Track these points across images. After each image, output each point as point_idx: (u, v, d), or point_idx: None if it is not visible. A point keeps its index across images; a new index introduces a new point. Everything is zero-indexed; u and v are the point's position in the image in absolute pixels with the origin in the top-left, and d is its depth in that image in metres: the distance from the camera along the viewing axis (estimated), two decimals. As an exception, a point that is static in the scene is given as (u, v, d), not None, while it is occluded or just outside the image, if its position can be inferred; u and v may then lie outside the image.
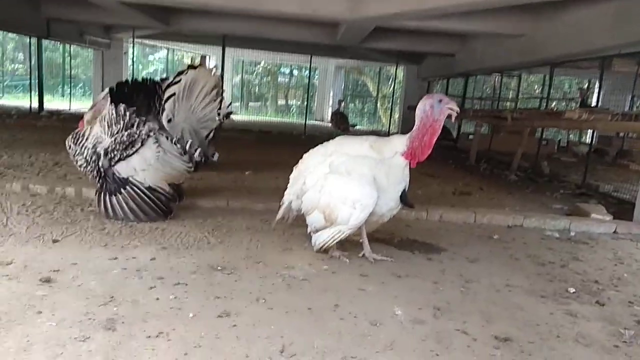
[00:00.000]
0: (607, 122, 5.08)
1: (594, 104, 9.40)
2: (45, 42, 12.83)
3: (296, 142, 9.69)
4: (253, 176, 5.34)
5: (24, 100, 14.25)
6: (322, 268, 2.73)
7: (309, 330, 1.99)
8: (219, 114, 3.72)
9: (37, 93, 12.20)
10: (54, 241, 2.81)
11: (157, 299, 2.16)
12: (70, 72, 17.05)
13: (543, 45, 7.00)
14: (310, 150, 3.11)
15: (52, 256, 2.57)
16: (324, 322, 2.08)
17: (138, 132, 3.26)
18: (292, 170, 3.14)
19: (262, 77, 25.38)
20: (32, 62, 12.83)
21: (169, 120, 3.43)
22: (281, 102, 25.33)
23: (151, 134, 3.29)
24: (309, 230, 2.93)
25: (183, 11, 9.50)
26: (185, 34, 12.34)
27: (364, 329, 2.04)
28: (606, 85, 10.20)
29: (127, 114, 3.28)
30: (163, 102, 3.36)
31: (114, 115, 3.29)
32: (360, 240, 2.96)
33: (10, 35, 18.20)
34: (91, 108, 3.52)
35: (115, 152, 3.25)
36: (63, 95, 17.42)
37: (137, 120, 3.29)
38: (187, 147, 3.42)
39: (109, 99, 3.37)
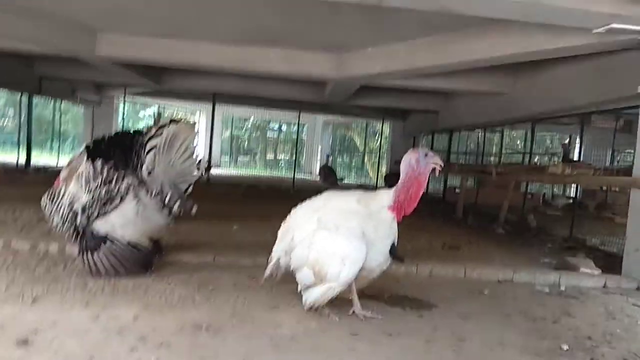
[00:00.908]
0: (590, 177, 5.19)
1: (575, 158, 9.64)
2: (36, 99, 12.98)
3: (285, 196, 9.70)
4: (241, 231, 5.30)
5: (11, 155, 14.22)
6: (311, 326, 2.66)
7: (297, 394, 1.91)
8: (198, 168, 3.72)
9: (25, 148, 12.19)
10: (34, 300, 2.71)
11: (139, 361, 2.07)
12: (60, 128, 17.14)
13: (523, 102, 7.26)
14: (298, 205, 3.11)
15: (31, 316, 2.47)
16: (313, 384, 2.00)
17: (117, 187, 3.24)
18: (280, 225, 3.13)
19: (251, 132, 25.77)
20: (22, 118, 12.92)
21: (149, 173, 3.39)
22: (270, 156, 25.60)
23: (130, 189, 3.27)
24: (299, 288, 2.88)
25: (174, 70, 9.74)
26: (177, 91, 12.60)
27: (354, 392, 1.97)
28: (587, 140, 10.52)
29: (105, 169, 3.26)
30: (144, 155, 3.35)
31: (91, 171, 3.26)
32: (350, 297, 2.91)
33: (1, 91, 18.38)
34: (67, 165, 3.51)
35: (94, 209, 3.20)
36: (51, 151, 17.42)
37: (116, 175, 3.27)
38: (167, 200, 3.40)
39: (85, 155, 3.35)
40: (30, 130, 12.33)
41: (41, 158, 15.12)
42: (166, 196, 3.41)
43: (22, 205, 5.65)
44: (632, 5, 3.88)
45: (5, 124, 21.82)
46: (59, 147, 16.40)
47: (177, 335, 2.38)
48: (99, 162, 3.28)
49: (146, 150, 3.34)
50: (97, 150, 3.38)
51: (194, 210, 3.63)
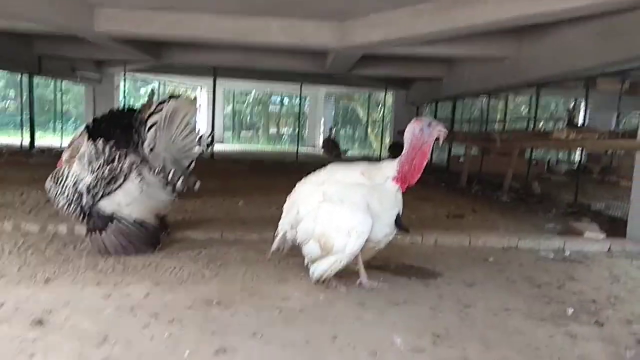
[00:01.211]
0: (595, 141, 5.15)
1: (580, 123, 9.55)
2: (36, 79, 12.92)
3: (289, 170, 9.72)
4: (246, 206, 5.33)
5: (15, 137, 14.25)
6: (319, 298, 2.71)
7: (307, 364, 1.96)
8: (199, 144, 3.72)
9: (28, 130, 12.20)
10: (46, 281, 2.77)
11: (152, 337, 2.13)
12: (62, 107, 17.11)
13: (527, 67, 7.15)
14: (303, 179, 3.12)
15: (44, 297, 2.53)
16: (323, 354, 2.05)
17: (120, 166, 3.25)
18: (285, 199, 3.15)
19: (253, 106, 25.62)
20: (24, 98, 12.88)
21: (151, 149, 3.40)
22: (273, 130, 25.53)
23: (133, 167, 3.28)
24: (306, 261, 2.92)
25: (173, 45, 9.63)
26: (177, 66, 12.49)
27: (363, 360, 2.02)
28: (592, 104, 10.40)
29: (107, 148, 3.27)
30: (145, 132, 3.34)
31: (93, 151, 3.27)
32: (357, 268, 2.95)
33: (1, 72, 18.30)
34: (69, 146, 3.52)
35: (98, 188, 3.23)
36: (54, 132, 17.44)
37: (118, 154, 3.28)
38: (170, 176, 3.42)
39: (86, 135, 3.35)
40: (32, 111, 12.30)
41: (45, 139, 15.15)
42: (169, 173, 3.42)
43: (29, 187, 5.69)
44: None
45: (7, 105, 21.78)
46: (61, 127, 16.42)
47: (188, 311, 2.43)
48: (100, 142, 3.28)
49: (147, 128, 3.34)
50: (97, 129, 3.38)
51: (197, 185, 3.65)
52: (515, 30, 6.83)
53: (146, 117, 3.35)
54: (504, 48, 7.50)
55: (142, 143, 3.37)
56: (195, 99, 4.12)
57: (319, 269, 2.81)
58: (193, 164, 3.71)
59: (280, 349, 2.08)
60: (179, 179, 3.44)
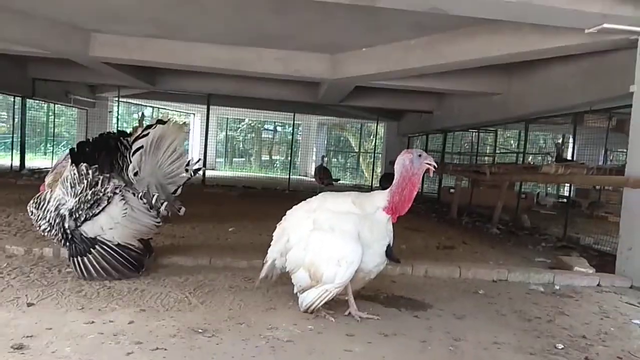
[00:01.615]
0: (583, 176, 5.22)
1: (569, 157, 9.69)
2: (29, 101, 12.91)
3: (280, 197, 9.71)
4: (236, 233, 5.29)
5: (5, 159, 14.13)
6: (307, 328, 2.66)
7: (294, 396, 1.91)
8: (187, 170, 3.71)
9: (18, 151, 12.12)
10: (29, 304, 2.70)
11: (135, 365, 2.07)
12: (54, 130, 17.05)
13: (516, 102, 7.31)
14: (294, 207, 3.11)
15: (26, 321, 2.46)
16: (310, 386, 2.01)
17: (103, 190, 3.24)
18: (276, 227, 3.13)
19: (246, 133, 25.75)
20: (16, 120, 12.84)
21: (135, 174, 3.39)
22: (265, 157, 25.60)
23: (117, 191, 3.27)
24: (295, 290, 2.88)
25: (167, 71, 9.73)
26: (171, 92, 12.57)
27: (351, 393, 1.97)
28: (580, 140, 10.57)
29: (90, 172, 3.26)
30: (130, 155, 3.34)
31: (76, 175, 3.25)
32: (346, 298, 2.91)
33: (-6, 94, 18.27)
34: (52, 170, 3.51)
35: (81, 212, 3.20)
36: (45, 154, 17.33)
37: (101, 177, 3.26)
38: (154, 201, 3.39)
39: (69, 159, 3.34)
40: (24, 133, 12.27)
41: (35, 161, 15.04)
42: (153, 197, 3.40)
43: (16, 208, 5.61)
44: (622, 6, 3.92)
45: (-2, 127, 21.67)
46: (52, 149, 16.33)
47: (173, 339, 2.37)
48: (83, 166, 3.27)
49: (132, 152, 3.34)
50: (81, 153, 3.37)
51: (182, 211, 3.62)
52: (504, 67, 7.01)
53: (132, 141, 3.35)
54: (493, 84, 7.68)
55: (127, 167, 3.36)
56: (184, 124, 4.12)
57: (308, 298, 2.78)
58: (180, 189, 3.69)
59: (267, 380, 2.03)
60: (162, 203, 3.42)
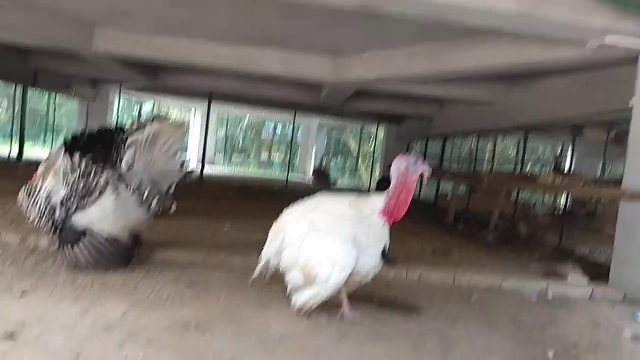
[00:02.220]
0: (580, 188, 5.24)
1: (567, 168, 9.73)
2: (30, 91, 12.90)
3: (277, 197, 9.71)
4: (232, 230, 5.29)
5: (3, 148, 14.11)
6: (300, 327, 2.67)
7: (283, 394, 1.92)
8: (181, 169, 3.72)
9: (17, 141, 12.11)
10: (22, 294, 2.70)
11: (125, 357, 2.07)
12: (54, 121, 17.04)
13: (515, 112, 7.33)
14: (290, 207, 3.12)
15: (18, 310, 2.46)
16: (300, 385, 2.01)
17: (95, 180, 3.25)
18: (272, 226, 3.13)
19: (246, 131, 25.77)
20: (16, 110, 12.83)
21: (128, 168, 3.40)
22: (264, 156, 25.62)
23: (109, 182, 3.28)
24: (288, 289, 2.89)
25: (170, 67, 9.72)
26: (172, 88, 12.57)
27: (340, 393, 1.98)
28: (578, 151, 10.63)
29: (83, 162, 3.28)
30: (124, 149, 3.36)
31: (69, 164, 3.27)
32: (340, 299, 2.92)
33: (-5, 83, 18.26)
34: (45, 160, 3.53)
35: (72, 202, 3.22)
36: (44, 144, 17.32)
37: (94, 168, 3.28)
38: (145, 196, 3.41)
39: (63, 149, 3.37)
40: (23, 123, 12.24)
41: (34, 151, 15.02)
42: (144, 192, 3.42)
43: (13, 198, 5.59)
44: (623, 20, 3.94)
45: (-2, 115, 21.65)
46: (52, 140, 16.32)
47: (165, 333, 2.38)
48: (76, 156, 3.29)
49: (126, 145, 3.35)
50: (75, 145, 3.40)
51: (173, 208, 3.63)
52: (505, 77, 7.03)
53: (127, 135, 3.38)
54: (493, 92, 7.70)
55: (120, 160, 3.38)
56: (183, 123, 4.11)
57: (301, 298, 2.78)
58: (173, 187, 3.70)
59: (257, 377, 2.04)
60: (153, 199, 3.43)
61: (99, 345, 2.16)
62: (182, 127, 3.81)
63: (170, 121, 3.63)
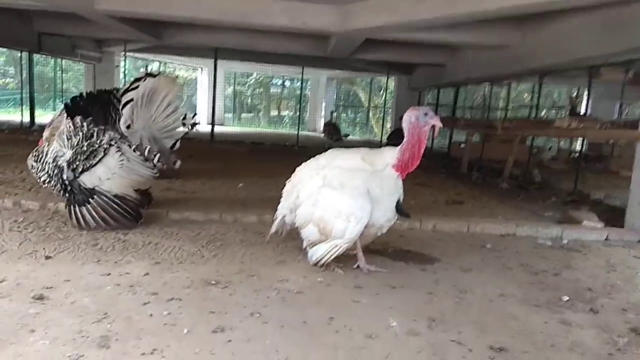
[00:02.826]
0: (596, 131, 5.14)
1: (583, 111, 9.51)
2: (36, 56, 12.80)
3: (289, 153, 9.71)
4: (246, 188, 5.34)
5: (15, 115, 14.19)
6: (317, 280, 2.73)
7: (304, 345, 1.99)
8: (184, 124, 3.76)
9: (28, 107, 12.14)
10: (47, 258, 2.79)
11: (151, 315, 2.15)
12: (62, 86, 17.00)
13: (530, 55, 7.09)
14: (303, 164, 3.12)
15: (44, 273, 2.55)
16: (319, 335, 2.08)
17: (99, 141, 3.34)
18: (285, 182, 3.15)
19: (254, 88, 25.48)
20: (23, 76, 12.79)
21: (128, 127, 3.47)
22: (274, 113, 25.43)
23: (113, 142, 3.36)
24: (304, 244, 2.93)
25: (174, 25, 9.52)
26: (177, 47, 12.38)
27: (359, 342, 2.04)
28: (595, 93, 10.34)
29: (85, 124, 3.35)
30: (120, 108, 3.40)
31: (72, 128, 3.35)
32: (354, 252, 2.96)
33: (1, 49, 18.14)
34: (49, 125, 3.61)
35: (78, 163, 3.32)
36: (54, 109, 17.36)
37: (96, 129, 3.35)
38: (146, 153, 3.47)
39: (65, 114, 3.44)
40: (32, 89, 12.23)
41: (45, 117, 15.09)
42: (145, 150, 3.47)
43: (29, 164, 5.68)
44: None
45: (6, 82, 21.64)
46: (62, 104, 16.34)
47: (187, 290, 2.45)
48: (78, 119, 3.36)
49: (122, 104, 3.39)
50: (76, 108, 3.46)
51: (178, 164, 3.69)
52: (518, 18, 6.76)
53: (121, 94, 3.40)
54: (506, 36, 7.42)
55: (119, 120, 3.43)
56: (176, 77, 4.10)
57: (317, 253, 2.83)
58: (178, 143, 3.76)
59: (278, 329, 2.11)
60: (155, 156, 3.49)
61: (125, 305, 2.24)
62: (176, 81, 3.84)
63: (165, 76, 3.65)
